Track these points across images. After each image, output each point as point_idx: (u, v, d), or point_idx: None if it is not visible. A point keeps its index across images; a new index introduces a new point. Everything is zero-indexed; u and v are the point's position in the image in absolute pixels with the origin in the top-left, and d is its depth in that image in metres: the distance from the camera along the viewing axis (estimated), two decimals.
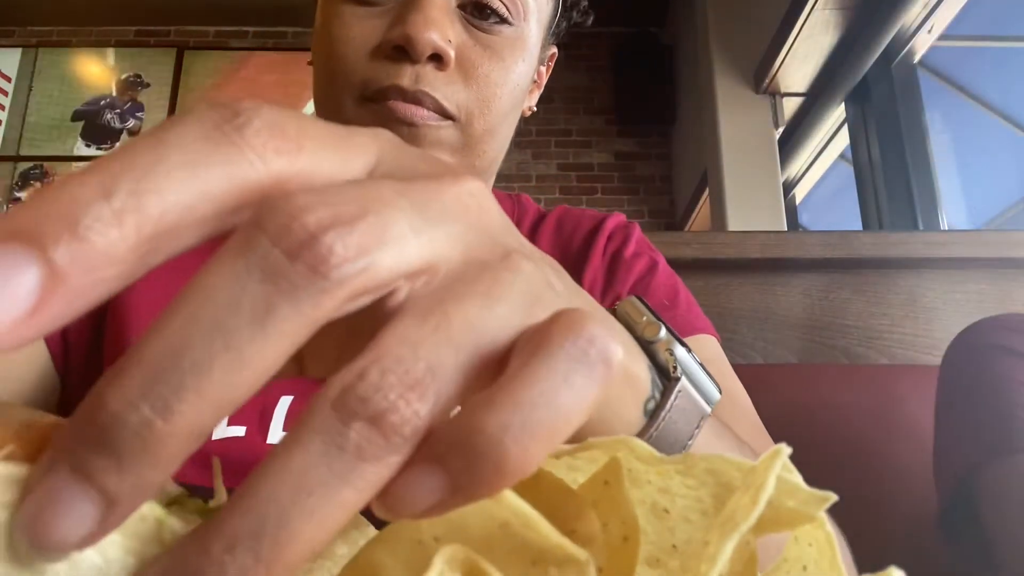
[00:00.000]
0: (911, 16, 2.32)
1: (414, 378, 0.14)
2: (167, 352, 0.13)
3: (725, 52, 3.05)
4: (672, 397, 0.29)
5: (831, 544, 0.18)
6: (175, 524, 0.17)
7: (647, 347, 0.30)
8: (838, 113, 2.85)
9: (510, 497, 0.15)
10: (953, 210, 2.42)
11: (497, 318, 0.16)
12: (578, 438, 0.17)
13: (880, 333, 1.15)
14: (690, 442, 0.29)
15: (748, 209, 2.82)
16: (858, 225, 2.65)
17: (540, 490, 0.18)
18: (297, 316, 0.14)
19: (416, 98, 0.54)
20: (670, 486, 0.19)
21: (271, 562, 0.13)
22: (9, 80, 3.74)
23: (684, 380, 0.30)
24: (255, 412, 0.54)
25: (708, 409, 0.30)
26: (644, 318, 0.31)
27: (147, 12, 3.84)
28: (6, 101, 3.71)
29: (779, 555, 0.20)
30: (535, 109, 0.70)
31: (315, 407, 0.14)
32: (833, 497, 0.18)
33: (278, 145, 0.16)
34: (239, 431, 0.53)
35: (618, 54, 3.91)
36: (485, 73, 0.57)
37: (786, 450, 0.17)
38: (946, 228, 2.35)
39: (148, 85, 3.82)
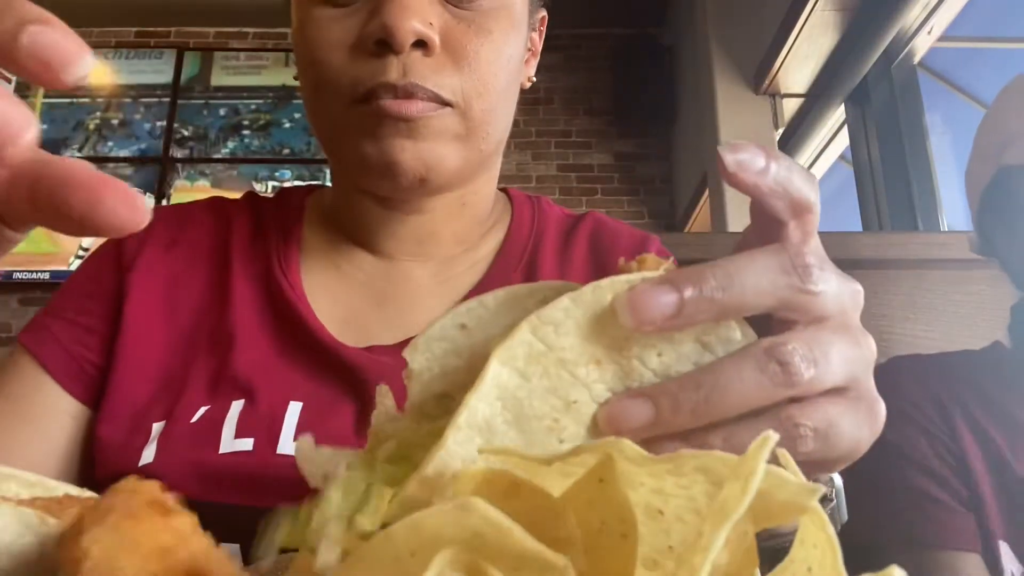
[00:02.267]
0: (911, 17, 2.32)
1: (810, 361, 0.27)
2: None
3: (725, 52, 3.05)
4: None
5: (833, 547, 0.19)
6: None
7: None
8: (838, 114, 2.85)
9: (481, 506, 0.16)
10: (953, 211, 2.42)
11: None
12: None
13: (880, 333, 1.15)
14: None
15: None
16: (858, 226, 2.65)
17: (519, 499, 0.18)
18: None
19: (408, 91, 0.51)
20: (663, 487, 0.19)
21: (701, 407, 0.25)
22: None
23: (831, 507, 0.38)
24: (262, 424, 0.52)
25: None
26: None
27: (147, 13, 3.84)
28: None
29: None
30: (534, 79, 0.66)
31: (752, 347, 0.26)
32: (823, 489, 0.18)
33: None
34: (247, 444, 0.51)
35: (618, 55, 3.91)
36: (475, 51, 0.53)
37: (774, 437, 0.18)
38: (946, 229, 2.34)
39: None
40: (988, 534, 0.73)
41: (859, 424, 0.28)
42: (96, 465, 0.55)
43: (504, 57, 0.55)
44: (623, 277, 0.26)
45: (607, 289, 0.25)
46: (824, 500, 0.40)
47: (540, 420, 0.25)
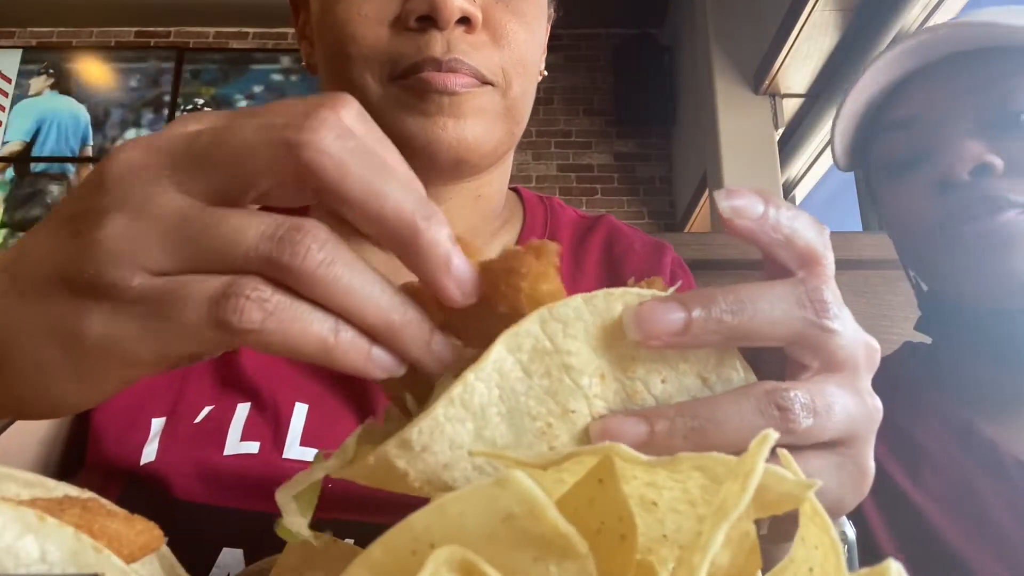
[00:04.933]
0: (911, 17, 2.32)
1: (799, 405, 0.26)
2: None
3: (725, 52, 3.04)
4: None
5: (836, 550, 0.19)
6: None
7: None
8: None
9: (518, 482, 0.15)
10: None
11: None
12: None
13: (880, 333, 1.15)
14: None
15: None
16: (858, 226, 2.65)
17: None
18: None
19: (452, 67, 0.51)
20: (656, 480, 0.19)
21: (694, 434, 0.25)
22: (9, 81, 3.74)
23: None
24: (269, 427, 0.51)
25: None
26: None
27: (147, 13, 3.84)
28: (6, 102, 3.71)
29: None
30: (546, 73, 0.66)
31: (754, 387, 0.26)
32: (818, 483, 0.18)
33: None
34: (252, 447, 0.50)
35: (618, 55, 3.91)
36: (513, 31, 0.54)
37: (773, 435, 0.18)
38: None
39: None
40: None
41: (842, 484, 0.28)
42: (88, 451, 0.54)
43: (536, 40, 0.57)
44: (635, 289, 0.26)
45: (618, 299, 0.25)
46: None
47: (534, 420, 0.24)
